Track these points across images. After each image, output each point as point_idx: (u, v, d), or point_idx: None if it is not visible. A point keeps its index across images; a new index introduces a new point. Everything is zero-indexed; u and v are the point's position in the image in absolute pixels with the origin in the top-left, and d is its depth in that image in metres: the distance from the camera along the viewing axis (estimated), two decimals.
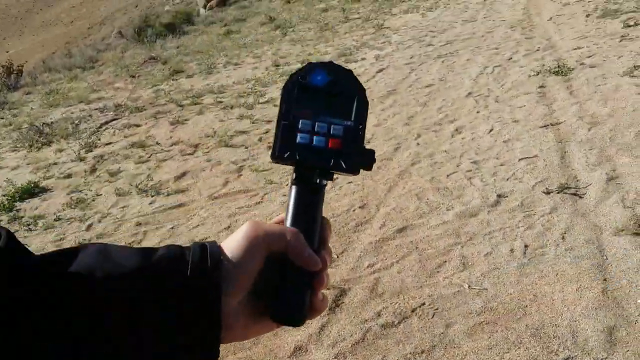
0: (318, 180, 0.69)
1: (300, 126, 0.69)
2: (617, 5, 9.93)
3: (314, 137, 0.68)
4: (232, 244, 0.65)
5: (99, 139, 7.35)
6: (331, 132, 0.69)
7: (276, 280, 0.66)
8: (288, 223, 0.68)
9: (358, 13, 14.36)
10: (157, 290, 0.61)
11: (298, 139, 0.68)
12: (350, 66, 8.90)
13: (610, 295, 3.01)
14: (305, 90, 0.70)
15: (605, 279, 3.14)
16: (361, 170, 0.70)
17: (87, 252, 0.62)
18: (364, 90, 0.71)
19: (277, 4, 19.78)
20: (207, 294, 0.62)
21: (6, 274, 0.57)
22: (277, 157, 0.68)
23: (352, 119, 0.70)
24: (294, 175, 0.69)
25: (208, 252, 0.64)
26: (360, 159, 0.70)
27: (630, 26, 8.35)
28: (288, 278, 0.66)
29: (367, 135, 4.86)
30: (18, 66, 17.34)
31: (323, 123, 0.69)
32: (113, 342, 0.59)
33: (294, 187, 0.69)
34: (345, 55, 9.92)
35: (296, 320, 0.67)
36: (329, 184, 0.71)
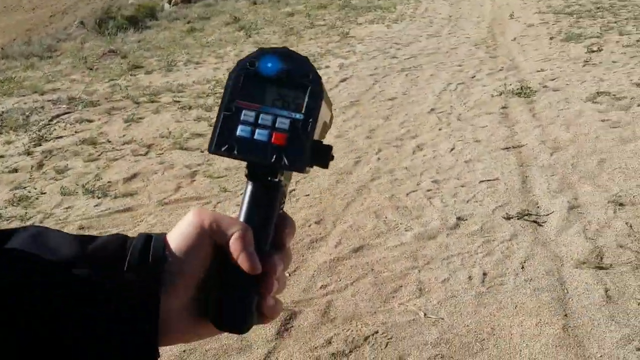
0: (269, 177, 0.63)
1: (242, 117, 0.63)
2: (581, 30, 10.05)
3: (256, 130, 0.63)
4: (177, 235, 0.59)
5: (50, 133, 7.02)
6: (276, 125, 0.63)
7: (219, 280, 0.61)
8: (240, 219, 0.63)
9: (324, 20, 14.24)
10: (88, 284, 0.55)
11: (238, 132, 0.63)
12: None
13: (572, 332, 2.92)
14: (253, 79, 0.64)
15: (566, 315, 3.05)
16: (313, 169, 0.66)
17: (22, 234, 0.58)
18: (319, 78, 0.65)
19: (242, 4, 19.54)
20: (144, 292, 0.56)
21: None
22: (214, 150, 0.63)
23: (302, 112, 0.64)
24: (246, 170, 0.65)
25: (151, 245, 0.58)
26: (308, 155, 0.63)
27: (593, 51, 8.43)
28: (230, 279, 0.60)
29: None
30: None
31: (268, 115, 0.63)
32: (33, 338, 0.52)
33: (248, 182, 0.65)
34: None
35: (238, 327, 0.61)
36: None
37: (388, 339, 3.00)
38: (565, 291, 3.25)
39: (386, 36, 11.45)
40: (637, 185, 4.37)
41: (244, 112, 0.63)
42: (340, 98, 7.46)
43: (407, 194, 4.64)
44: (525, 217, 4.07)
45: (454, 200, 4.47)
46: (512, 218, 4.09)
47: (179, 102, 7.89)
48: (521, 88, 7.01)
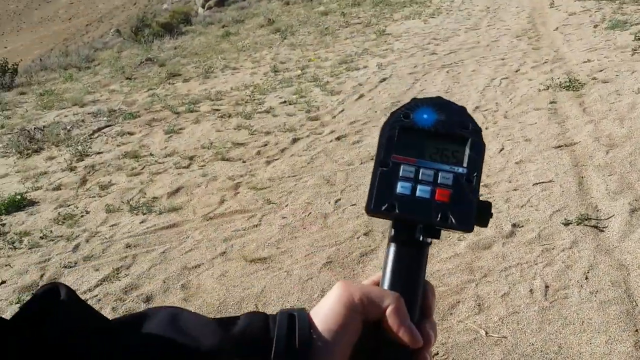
0: (421, 238, 0.59)
1: (401, 173, 0.60)
2: (626, 17, 9.70)
3: (418, 187, 0.59)
4: (324, 312, 0.56)
5: (91, 147, 7.05)
6: (438, 180, 0.60)
7: (368, 356, 0.56)
8: (385, 287, 0.59)
9: (358, 18, 14.09)
10: None
11: (398, 189, 0.59)
12: (352, 74, 8.65)
13: None
14: (408, 132, 0.61)
15: (637, 330, 2.86)
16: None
17: (159, 316, 0.56)
18: (479, 130, 0.63)
19: (275, 5, 19.51)
20: None
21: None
22: (373, 210, 0.59)
23: (465, 165, 0.60)
24: (392, 230, 0.60)
25: (296, 327, 0.55)
26: (473, 213, 0.59)
27: None
28: (382, 356, 0.56)
29: (371, 152, 4.59)
30: (13, 64, 16.99)
31: (429, 170, 0.60)
32: None
33: (392, 244, 0.60)
34: (347, 62, 9.64)
35: None
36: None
37: None
38: (634, 304, 3.06)
39: (423, 32, 11.25)
40: None
41: (402, 167, 0.60)
42: (380, 99, 7.32)
43: None
44: (585, 222, 3.87)
45: (508, 205, 4.30)
46: (571, 223, 3.90)
47: (218, 110, 7.85)
48: (569, 81, 6.75)
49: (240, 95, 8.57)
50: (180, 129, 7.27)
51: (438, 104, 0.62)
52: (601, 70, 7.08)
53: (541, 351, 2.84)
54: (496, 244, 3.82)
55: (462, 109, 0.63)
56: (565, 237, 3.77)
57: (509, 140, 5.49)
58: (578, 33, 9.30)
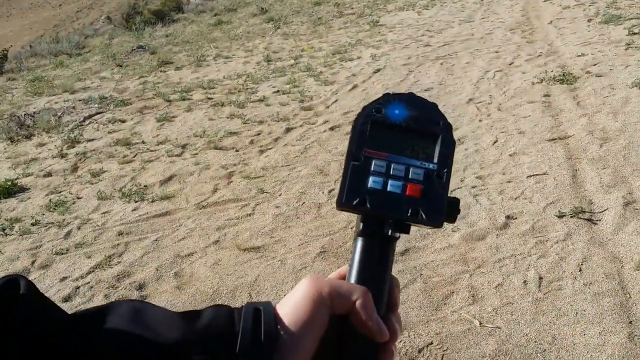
0: (390, 232, 0.59)
1: (373, 168, 0.59)
2: (620, 11, 9.70)
3: (389, 182, 0.59)
4: (290, 306, 0.55)
5: (82, 134, 6.99)
6: (410, 176, 0.59)
7: (334, 350, 0.56)
8: (352, 281, 0.59)
9: (352, 8, 14.03)
10: None
11: (370, 184, 0.59)
12: (345, 65, 8.63)
13: (638, 342, 2.75)
14: (380, 126, 0.61)
15: (630, 322, 2.88)
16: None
17: (119, 311, 0.54)
18: (450, 127, 0.62)
19: None
20: None
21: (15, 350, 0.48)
22: (345, 204, 0.58)
23: (435, 161, 0.60)
24: (361, 225, 0.59)
25: (262, 321, 0.54)
26: (443, 208, 0.59)
27: (635, 34, 8.12)
28: (350, 349, 0.56)
29: None
30: (3, 50, 16.80)
31: (400, 165, 0.59)
32: None
33: (360, 239, 0.60)
34: (340, 52, 9.60)
35: None
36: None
37: (443, 350, 2.86)
38: (628, 296, 3.08)
39: (417, 23, 11.22)
40: None
41: (374, 161, 0.59)
42: (374, 90, 7.30)
43: (451, 192, 4.47)
44: (579, 215, 3.88)
45: (501, 197, 4.30)
46: (565, 216, 3.91)
47: (211, 98, 7.81)
48: (563, 74, 6.76)
49: (233, 84, 8.53)
50: (173, 117, 7.22)
51: (410, 99, 0.62)
52: (595, 64, 7.09)
53: (535, 342, 2.85)
54: (490, 235, 3.83)
55: (434, 106, 0.63)
56: (559, 229, 3.78)
57: (502, 132, 5.49)
58: (572, 27, 9.30)
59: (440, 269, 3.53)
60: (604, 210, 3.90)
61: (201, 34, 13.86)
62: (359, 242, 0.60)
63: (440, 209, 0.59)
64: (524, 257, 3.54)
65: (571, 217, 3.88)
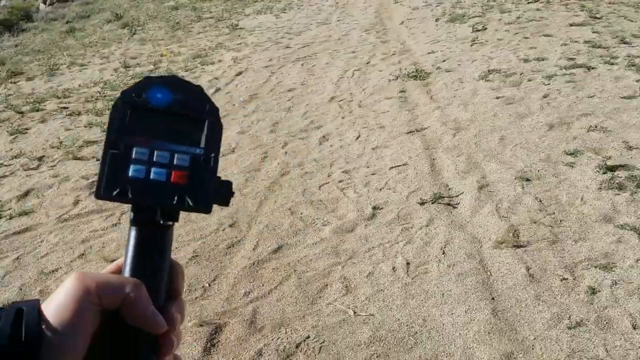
0: (162, 221, 0.56)
1: (133, 156, 0.56)
2: (464, 10, 10.33)
3: (152, 170, 0.56)
4: (55, 304, 0.52)
5: None
6: (174, 162, 0.57)
7: (112, 346, 0.54)
8: (127, 273, 0.56)
9: (210, 12, 13.89)
10: None
11: (131, 173, 0.55)
12: (207, 68, 8.51)
13: (502, 317, 2.93)
14: (141, 111, 0.57)
15: (493, 298, 3.06)
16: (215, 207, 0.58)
17: None
18: (216, 110, 0.60)
19: (123, 0, 18.73)
20: None
21: None
22: (103, 195, 0.55)
23: (202, 146, 0.58)
24: (132, 214, 0.56)
25: (23, 320, 0.51)
26: (212, 193, 0.58)
27: (478, 30, 8.67)
28: (123, 344, 0.54)
29: (232, 144, 4.51)
30: None
31: (164, 152, 0.57)
32: None
33: (133, 228, 0.57)
34: (201, 56, 9.47)
35: None
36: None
37: (320, 343, 2.89)
38: (489, 273, 3.27)
39: (276, 26, 11.31)
40: (539, 159, 4.50)
41: (135, 149, 0.56)
42: (238, 92, 7.27)
43: (320, 187, 4.56)
44: (439, 201, 4.09)
45: (367, 189, 4.43)
46: (426, 202, 4.09)
47: (66, 108, 7.40)
48: (416, 71, 7.09)
49: (90, 92, 8.14)
50: (26, 129, 6.77)
51: (173, 82, 0.60)
52: (444, 61, 7.49)
53: (407, 325, 2.95)
54: (359, 226, 3.93)
55: (199, 89, 0.61)
56: (422, 215, 3.95)
57: (364, 128, 5.66)
58: (422, 26, 9.77)
59: (313, 263, 3.57)
60: (460, 195, 4.13)
61: (53, 42, 13.13)
62: (132, 232, 0.57)
63: (207, 193, 0.57)
64: (392, 244, 3.66)
65: (432, 203, 4.07)
